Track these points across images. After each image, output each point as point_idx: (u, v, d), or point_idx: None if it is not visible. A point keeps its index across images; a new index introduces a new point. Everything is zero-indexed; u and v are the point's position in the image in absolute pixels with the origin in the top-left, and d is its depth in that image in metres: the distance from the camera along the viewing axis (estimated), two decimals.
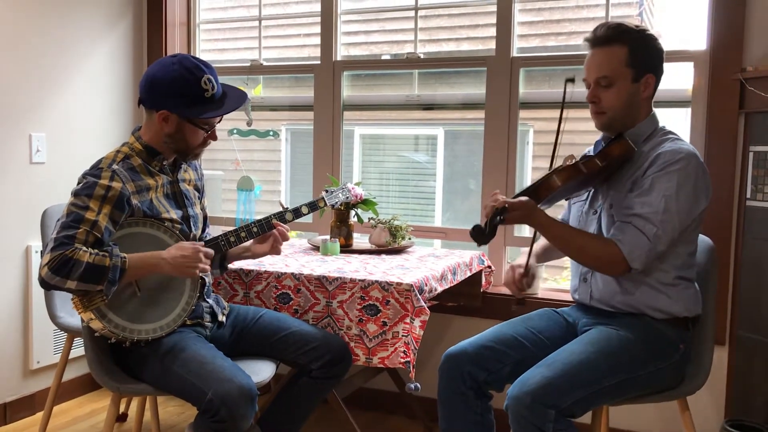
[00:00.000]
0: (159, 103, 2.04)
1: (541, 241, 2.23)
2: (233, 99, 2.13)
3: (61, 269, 1.83)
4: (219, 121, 2.15)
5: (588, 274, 2.07)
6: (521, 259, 2.13)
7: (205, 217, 2.34)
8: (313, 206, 2.34)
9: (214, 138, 2.14)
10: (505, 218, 1.86)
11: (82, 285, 1.85)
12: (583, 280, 2.09)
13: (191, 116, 2.04)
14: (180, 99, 2.03)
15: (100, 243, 1.90)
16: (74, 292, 1.90)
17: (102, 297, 1.90)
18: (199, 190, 2.31)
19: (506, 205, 1.85)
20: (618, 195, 1.97)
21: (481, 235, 1.85)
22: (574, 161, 1.91)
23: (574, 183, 1.92)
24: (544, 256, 2.26)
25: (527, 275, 2.08)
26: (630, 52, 1.93)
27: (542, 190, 1.92)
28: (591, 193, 2.10)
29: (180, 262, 1.97)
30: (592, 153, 2.14)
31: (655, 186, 1.88)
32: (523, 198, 1.90)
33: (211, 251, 2.07)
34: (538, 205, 1.93)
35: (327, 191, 2.46)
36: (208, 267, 2.04)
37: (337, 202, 2.46)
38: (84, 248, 1.86)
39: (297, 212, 2.30)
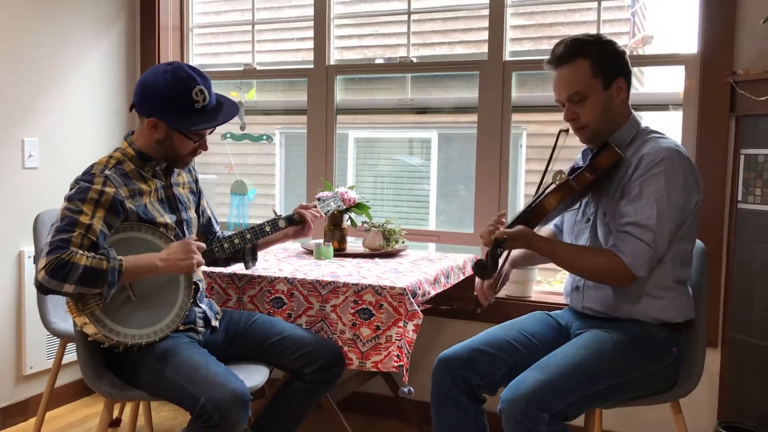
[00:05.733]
0: (149, 110, 2.04)
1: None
2: (226, 111, 2.11)
3: (58, 273, 1.82)
4: (210, 132, 2.14)
5: (581, 282, 2.08)
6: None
7: (209, 218, 2.36)
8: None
9: (205, 148, 2.14)
10: (505, 248, 1.91)
11: (79, 288, 1.85)
12: (575, 289, 2.10)
13: (178, 127, 2.04)
14: (168, 108, 2.02)
15: (95, 246, 1.90)
16: (71, 296, 1.89)
17: (97, 301, 1.90)
18: (195, 193, 2.31)
19: (505, 236, 1.89)
20: (609, 202, 1.98)
21: (484, 269, 1.92)
22: (563, 178, 1.92)
23: (568, 200, 1.95)
24: (526, 260, 2.26)
25: (496, 285, 2.10)
26: (593, 63, 1.94)
27: (538, 213, 1.95)
28: (584, 201, 2.10)
29: (174, 258, 1.98)
30: (580, 161, 2.15)
31: (644, 190, 1.89)
32: (520, 227, 1.92)
33: (202, 244, 2.08)
34: (536, 227, 1.96)
35: (319, 200, 2.48)
36: (201, 259, 2.04)
37: (329, 211, 2.48)
38: (80, 252, 1.85)
39: (290, 219, 2.34)
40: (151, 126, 2.04)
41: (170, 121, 2.03)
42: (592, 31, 2.88)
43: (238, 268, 2.47)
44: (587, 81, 1.95)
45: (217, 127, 2.13)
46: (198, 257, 2.02)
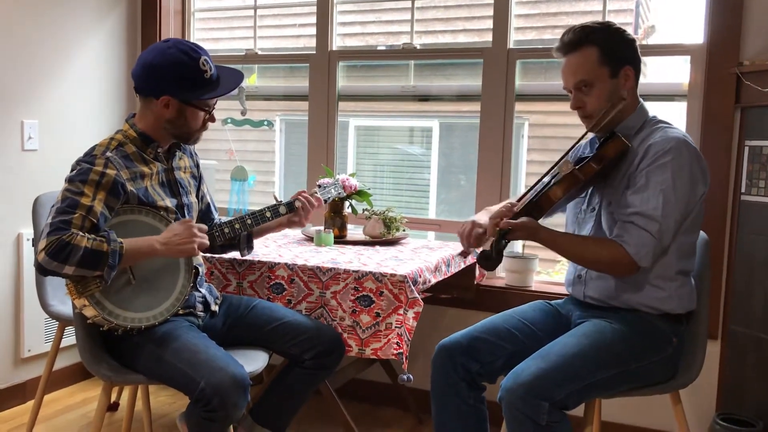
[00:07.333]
0: (160, 89, 2.02)
1: None
2: (230, 78, 2.13)
3: (58, 254, 1.81)
4: (215, 103, 2.14)
5: (583, 272, 2.07)
6: (483, 218, 2.06)
7: (208, 204, 2.35)
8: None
9: (213, 120, 2.15)
10: (509, 239, 1.90)
11: (79, 270, 1.84)
12: (578, 278, 2.09)
13: (194, 99, 2.04)
14: (181, 83, 2.02)
15: (95, 229, 1.89)
16: (71, 278, 1.88)
17: (97, 283, 1.89)
18: (196, 178, 2.29)
19: (509, 228, 1.88)
20: (614, 192, 1.97)
21: (488, 260, 1.90)
22: (569, 167, 1.90)
23: (573, 191, 1.93)
24: None
25: (485, 236, 2.03)
26: (601, 51, 1.93)
27: (544, 204, 1.94)
28: (589, 191, 2.09)
29: (175, 242, 1.96)
30: (587, 148, 2.14)
31: (650, 181, 1.87)
32: (524, 219, 1.91)
33: (204, 226, 2.07)
34: (541, 218, 1.95)
35: (320, 186, 2.47)
36: (205, 240, 2.03)
37: (329, 198, 2.47)
38: (81, 233, 1.84)
39: (290, 206, 2.32)
40: (163, 105, 2.03)
41: (184, 95, 2.03)
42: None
43: (236, 254, 2.46)
44: (594, 69, 1.93)
45: (219, 110, 2.14)
46: (200, 240, 2.00)
